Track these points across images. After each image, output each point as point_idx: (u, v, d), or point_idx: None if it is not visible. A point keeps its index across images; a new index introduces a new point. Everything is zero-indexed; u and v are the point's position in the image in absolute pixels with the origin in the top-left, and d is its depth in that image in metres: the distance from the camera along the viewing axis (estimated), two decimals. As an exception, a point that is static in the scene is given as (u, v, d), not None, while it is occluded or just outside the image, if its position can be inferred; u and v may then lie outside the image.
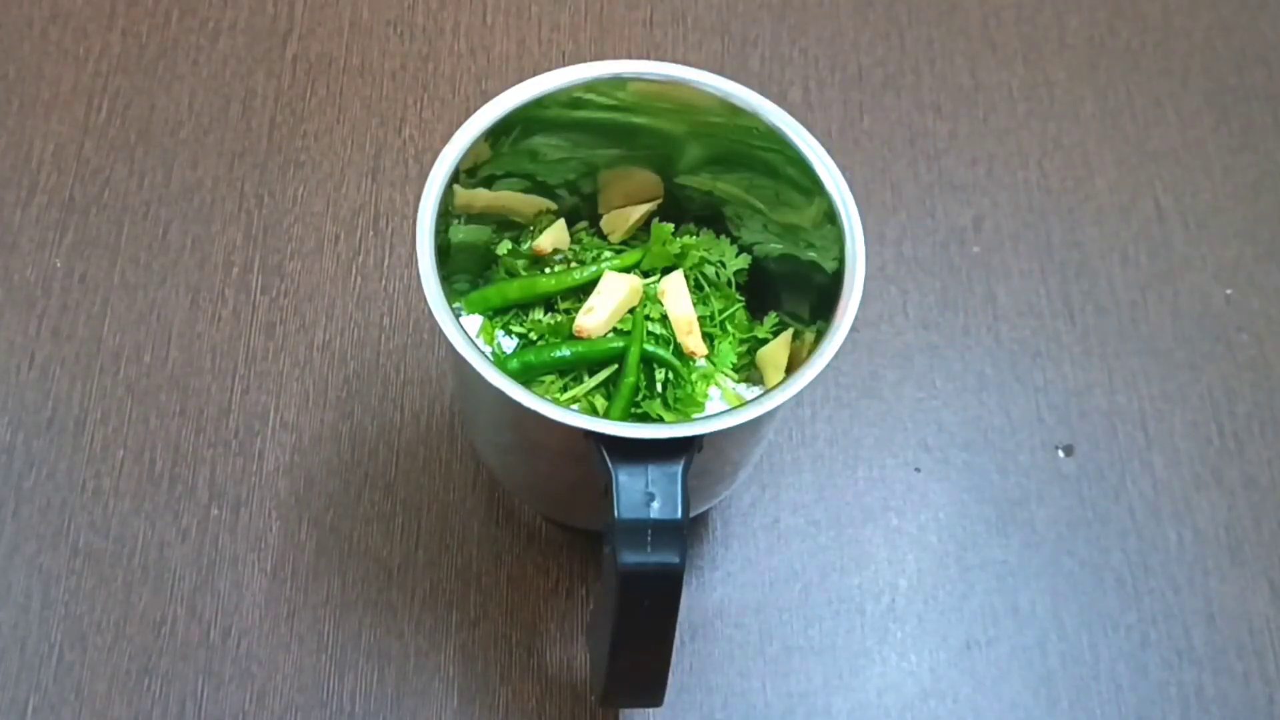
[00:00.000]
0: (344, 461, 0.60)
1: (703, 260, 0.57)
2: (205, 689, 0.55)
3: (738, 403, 0.53)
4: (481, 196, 0.54)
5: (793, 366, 0.53)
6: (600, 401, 0.54)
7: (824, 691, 0.56)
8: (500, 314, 0.56)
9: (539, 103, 0.51)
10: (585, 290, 0.55)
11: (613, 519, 0.44)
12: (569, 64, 0.52)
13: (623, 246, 0.58)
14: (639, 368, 0.53)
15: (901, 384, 0.63)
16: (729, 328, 0.56)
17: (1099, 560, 0.59)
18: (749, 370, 0.56)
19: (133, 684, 0.55)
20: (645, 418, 0.54)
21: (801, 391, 0.47)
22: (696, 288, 0.56)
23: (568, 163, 0.55)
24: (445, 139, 0.50)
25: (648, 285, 0.56)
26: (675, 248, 0.56)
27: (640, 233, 0.58)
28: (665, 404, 0.54)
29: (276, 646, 0.56)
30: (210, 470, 0.59)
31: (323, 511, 0.59)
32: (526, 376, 0.53)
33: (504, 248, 0.57)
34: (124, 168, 0.66)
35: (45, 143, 0.66)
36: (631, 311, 0.55)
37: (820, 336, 0.48)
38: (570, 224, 0.58)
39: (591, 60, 0.52)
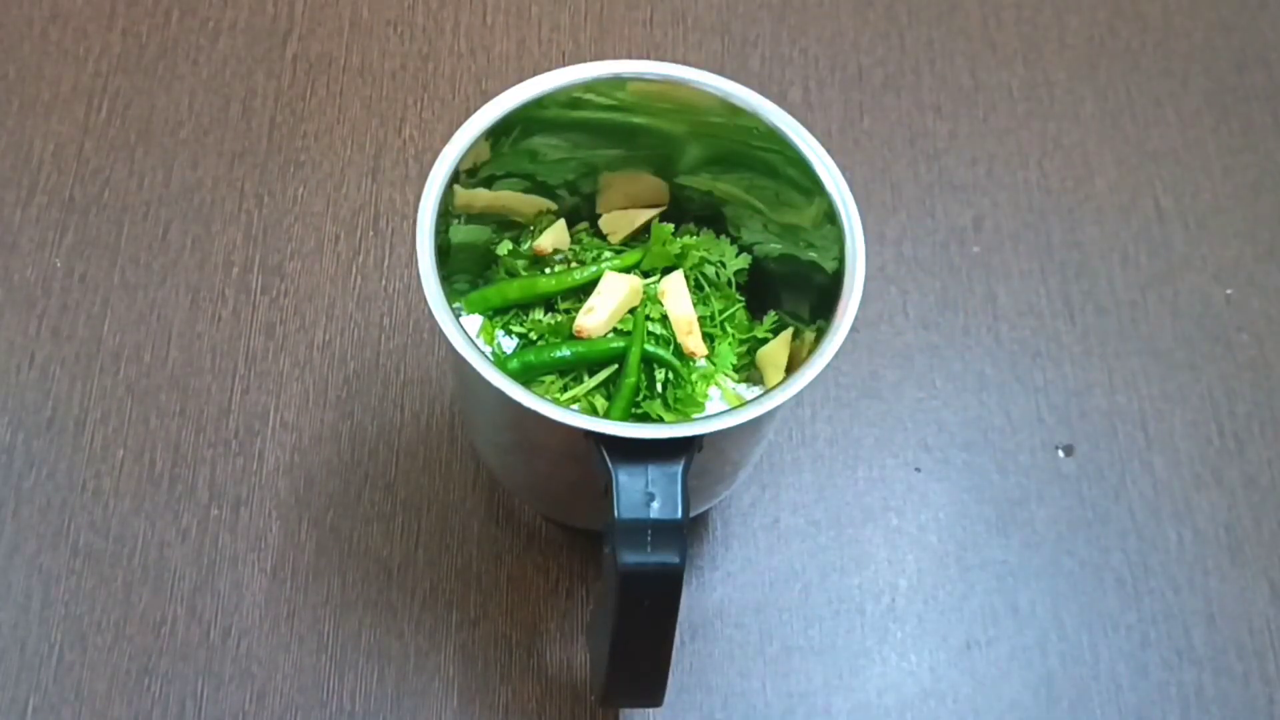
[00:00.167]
0: (344, 461, 0.60)
1: (703, 260, 0.57)
2: (205, 689, 0.55)
3: (738, 403, 0.53)
4: (481, 196, 0.54)
5: (793, 366, 0.53)
6: (600, 401, 0.54)
7: (824, 691, 0.56)
8: (500, 314, 0.56)
9: (539, 103, 0.51)
10: (585, 290, 0.55)
11: (613, 519, 0.44)
12: (569, 64, 0.52)
13: (623, 247, 0.58)
14: (639, 368, 0.53)
15: (901, 384, 0.63)
16: (729, 328, 0.56)
17: (1099, 560, 0.59)
18: (749, 370, 0.56)
19: (133, 684, 0.55)
20: (645, 418, 0.54)
21: (801, 391, 0.47)
22: (696, 288, 0.56)
23: (568, 163, 0.55)
24: (445, 139, 0.50)
25: (648, 285, 0.56)
26: (675, 248, 0.56)
27: (640, 233, 0.58)
28: (665, 404, 0.54)
29: (276, 646, 0.56)
30: (210, 470, 0.59)
31: (323, 511, 0.59)
32: (526, 376, 0.53)
33: (504, 248, 0.57)
34: (124, 168, 0.66)
35: (45, 143, 0.66)
36: (632, 312, 0.55)
37: (820, 336, 0.48)
38: (570, 224, 0.58)
39: (591, 60, 0.52)
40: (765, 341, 0.56)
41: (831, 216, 0.50)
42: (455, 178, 0.50)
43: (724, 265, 0.57)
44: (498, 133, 0.51)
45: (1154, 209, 0.67)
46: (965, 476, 0.61)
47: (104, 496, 0.58)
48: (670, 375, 0.54)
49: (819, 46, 0.72)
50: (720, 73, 0.52)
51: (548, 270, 0.57)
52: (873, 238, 0.63)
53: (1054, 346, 0.64)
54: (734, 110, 0.52)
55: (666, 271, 0.56)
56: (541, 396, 0.46)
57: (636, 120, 0.54)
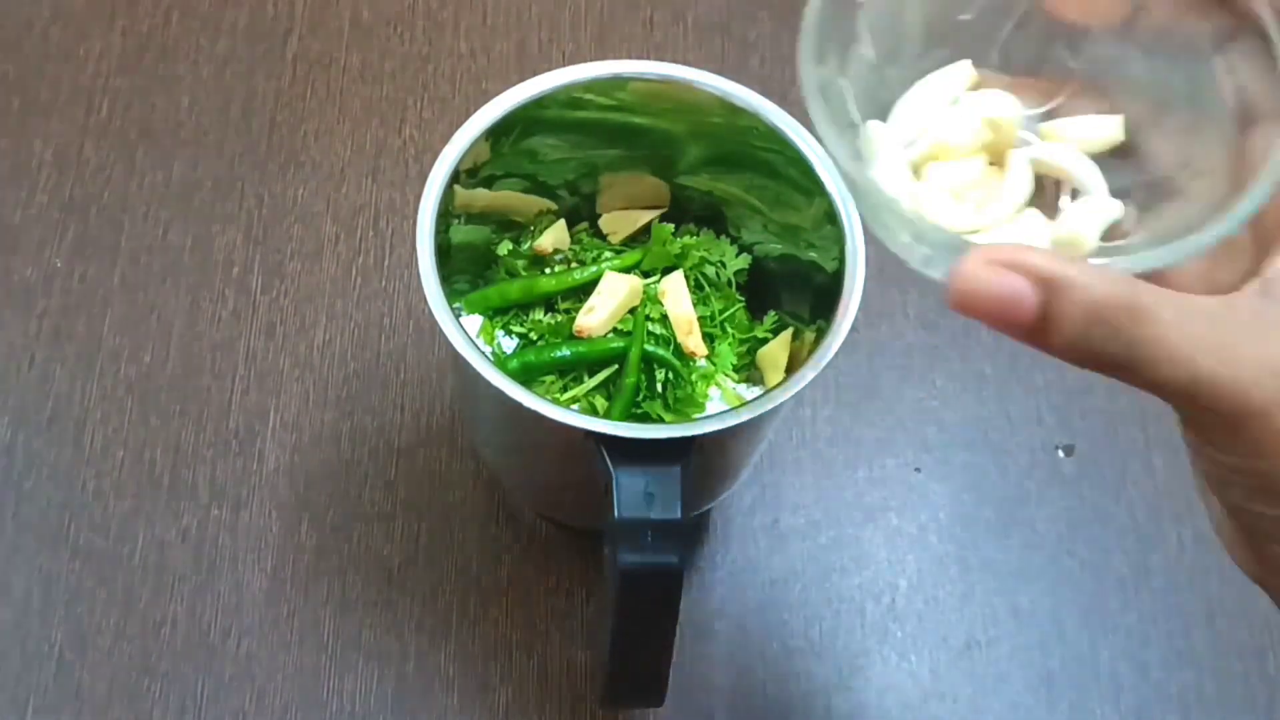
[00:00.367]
0: (344, 461, 0.60)
1: (703, 260, 0.57)
2: (205, 689, 0.55)
3: (738, 403, 0.53)
4: (481, 196, 0.54)
5: (793, 366, 0.53)
6: (601, 401, 0.54)
7: (824, 691, 0.56)
8: (500, 314, 0.56)
9: (539, 103, 0.51)
10: (585, 290, 0.55)
11: (613, 519, 0.44)
12: (569, 64, 0.52)
13: (623, 247, 0.58)
14: (639, 368, 0.53)
15: (902, 384, 0.63)
16: (729, 328, 0.56)
17: (1099, 560, 0.59)
18: (749, 370, 0.56)
19: (133, 684, 0.55)
20: (645, 418, 0.54)
21: (801, 391, 0.47)
22: (696, 288, 0.56)
23: (568, 163, 0.55)
24: (445, 139, 0.50)
25: (648, 285, 0.56)
26: (675, 248, 0.56)
27: (640, 233, 0.58)
28: (665, 404, 0.54)
29: (276, 647, 0.56)
30: (210, 470, 0.59)
31: (323, 512, 0.59)
32: (526, 376, 0.53)
33: (504, 248, 0.57)
34: (124, 168, 0.66)
35: (45, 143, 0.66)
36: (632, 312, 0.55)
37: (820, 336, 0.48)
38: (570, 224, 0.58)
39: (591, 60, 0.52)
40: (765, 341, 0.56)
41: (832, 216, 0.50)
42: (455, 178, 0.50)
43: (724, 265, 0.57)
44: (498, 133, 0.51)
45: (1154, 209, 0.67)
46: (965, 477, 0.61)
47: (104, 496, 0.58)
48: (670, 375, 0.54)
49: (819, 46, 0.72)
50: (720, 73, 0.52)
51: (548, 270, 0.57)
52: (873, 237, 0.63)
53: (1054, 346, 0.64)
54: (734, 110, 0.52)
55: (666, 271, 0.56)
56: (541, 396, 0.46)
57: (637, 120, 0.54)
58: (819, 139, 0.35)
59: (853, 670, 0.57)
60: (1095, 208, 0.37)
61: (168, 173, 0.66)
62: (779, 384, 0.47)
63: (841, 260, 0.49)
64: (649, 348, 0.54)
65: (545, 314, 0.56)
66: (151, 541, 0.57)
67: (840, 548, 0.59)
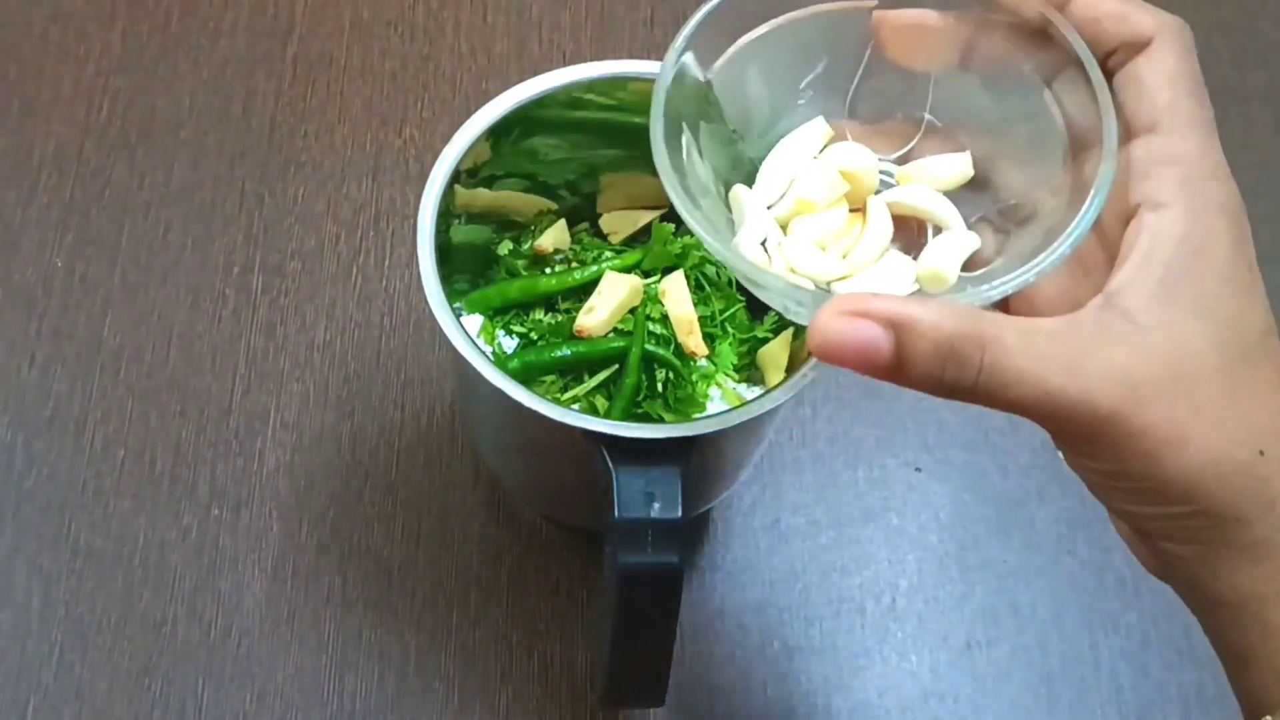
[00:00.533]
0: (344, 461, 0.60)
1: (703, 260, 0.57)
2: (205, 689, 0.55)
3: (738, 403, 0.53)
4: (482, 196, 0.54)
5: (793, 366, 0.53)
6: (601, 401, 0.54)
7: (824, 691, 0.56)
8: (501, 314, 0.56)
9: (539, 103, 0.51)
10: (586, 290, 0.55)
11: (613, 519, 0.44)
12: (569, 64, 0.52)
13: (623, 247, 0.58)
14: (640, 368, 0.53)
15: (902, 384, 0.63)
16: (729, 328, 0.56)
17: (1100, 560, 0.59)
18: (749, 370, 0.56)
19: (133, 684, 0.55)
20: (646, 418, 0.54)
21: (802, 391, 0.47)
22: (697, 288, 0.56)
23: (568, 163, 0.55)
24: (445, 139, 0.50)
25: (648, 285, 0.56)
26: (676, 248, 0.56)
27: (641, 233, 0.58)
28: (666, 404, 0.54)
29: (277, 646, 0.56)
30: (210, 470, 0.59)
31: (323, 511, 0.59)
32: (527, 376, 0.53)
33: (504, 248, 0.57)
34: (124, 168, 0.66)
35: (45, 143, 0.66)
36: (632, 311, 0.55)
37: (821, 336, 0.48)
38: (571, 224, 0.58)
39: (592, 60, 0.52)
40: (766, 341, 0.56)
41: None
42: (456, 178, 0.50)
43: (724, 265, 0.57)
44: (498, 133, 0.51)
45: (1154, 209, 0.67)
46: (966, 476, 0.61)
47: (104, 496, 0.58)
48: (671, 375, 0.54)
49: (819, 46, 0.72)
50: (721, 72, 0.52)
51: (548, 270, 0.57)
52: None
53: (1054, 346, 0.64)
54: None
55: (667, 271, 0.56)
56: (541, 396, 0.46)
57: (637, 120, 0.54)
58: (679, 215, 0.38)
59: (853, 670, 0.57)
60: (953, 242, 0.39)
61: (168, 173, 0.66)
62: (779, 384, 0.47)
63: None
64: (649, 348, 0.54)
65: (545, 314, 0.56)
66: (151, 541, 0.57)
67: (840, 547, 0.59)
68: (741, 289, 0.57)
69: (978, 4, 0.39)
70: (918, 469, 0.61)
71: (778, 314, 0.56)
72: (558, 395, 0.54)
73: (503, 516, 0.59)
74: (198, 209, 0.65)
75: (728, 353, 0.55)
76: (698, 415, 0.54)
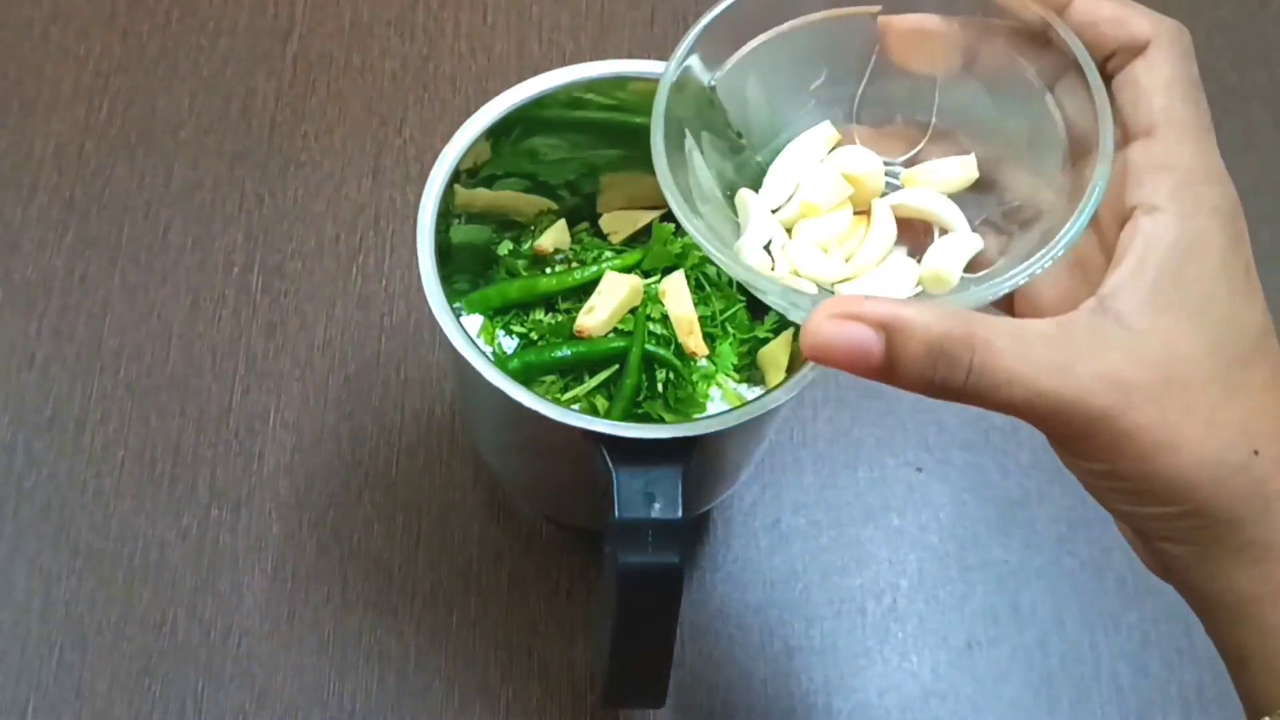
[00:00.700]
0: (344, 462, 0.60)
1: (703, 260, 0.57)
2: (205, 689, 0.55)
3: (738, 403, 0.53)
4: (482, 196, 0.54)
5: (794, 366, 0.53)
6: (601, 402, 0.54)
7: (825, 691, 0.56)
8: (501, 314, 0.56)
9: (539, 103, 0.51)
10: (586, 290, 0.55)
11: (613, 519, 0.44)
12: (569, 64, 0.52)
13: (623, 247, 0.58)
14: (640, 368, 0.53)
15: (902, 384, 0.63)
16: (730, 328, 0.56)
17: (1100, 560, 0.59)
18: (750, 370, 0.56)
19: (133, 684, 0.55)
20: (646, 418, 0.54)
21: (802, 391, 0.47)
22: (697, 288, 0.56)
23: (568, 163, 0.55)
24: (445, 139, 0.50)
25: (648, 285, 0.56)
26: (676, 248, 0.56)
27: (641, 233, 0.58)
28: (666, 404, 0.54)
29: (277, 647, 0.56)
30: (210, 470, 0.59)
31: (323, 512, 0.59)
32: (527, 376, 0.53)
33: (504, 248, 0.57)
34: (124, 168, 0.66)
35: (45, 143, 0.66)
36: (632, 312, 0.55)
37: (821, 336, 0.48)
38: (571, 224, 0.58)
39: (592, 60, 0.52)
40: (766, 341, 0.56)
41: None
42: (456, 178, 0.50)
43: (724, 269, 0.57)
44: (498, 133, 0.51)
45: (1155, 209, 0.67)
46: (966, 476, 0.61)
47: (104, 496, 0.58)
48: (671, 375, 0.54)
49: (819, 46, 0.72)
50: (721, 72, 0.52)
51: (548, 270, 0.57)
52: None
53: (1055, 346, 0.64)
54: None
55: (667, 271, 0.56)
56: (542, 397, 0.46)
57: (637, 120, 0.54)
58: (678, 222, 0.38)
59: (853, 670, 0.57)
60: (956, 244, 0.40)
61: (168, 173, 0.66)
62: (780, 384, 0.47)
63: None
64: (650, 348, 0.54)
65: (545, 314, 0.56)
66: (151, 541, 0.57)
67: (841, 548, 0.59)
68: (742, 290, 0.57)
69: (980, 8, 0.39)
70: (918, 469, 0.61)
71: (778, 314, 0.56)
72: (558, 395, 0.54)
73: (503, 517, 0.59)
74: (198, 209, 0.65)
75: (728, 353, 0.55)
76: (698, 415, 0.54)
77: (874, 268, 0.40)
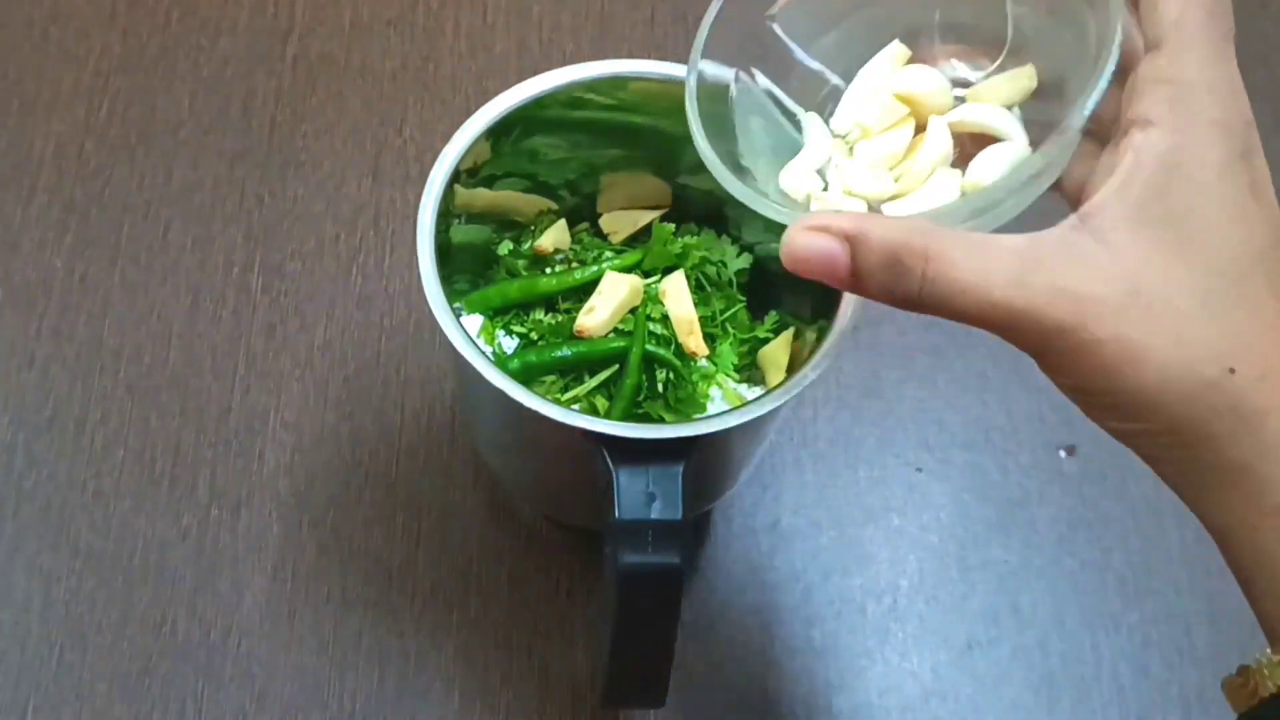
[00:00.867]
0: (344, 462, 0.60)
1: (704, 260, 0.57)
2: (205, 689, 0.55)
3: (739, 403, 0.52)
4: (482, 196, 0.54)
5: (794, 366, 0.53)
6: (602, 402, 0.54)
7: (825, 692, 0.56)
8: (501, 314, 0.56)
9: (539, 102, 0.51)
10: (586, 290, 0.55)
11: (613, 519, 0.44)
12: (569, 63, 0.52)
13: (623, 247, 0.58)
14: (640, 368, 0.53)
15: (903, 384, 0.63)
16: (730, 328, 0.56)
17: (1101, 560, 0.59)
18: (750, 370, 0.56)
19: (133, 684, 0.55)
20: (646, 418, 0.54)
21: (803, 391, 0.47)
22: (697, 288, 0.56)
23: (568, 163, 0.55)
24: (445, 139, 0.50)
25: (649, 285, 0.55)
26: (676, 248, 0.56)
27: (641, 233, 0.58)
28: (667, 404, 0.54)
29: (277, 647, 0.56)
30: (210, 470, 0.59)
31: (323, 512, 0.58)
32: (527, 377, 0.53)
33: (505, 248, 0.57)
34: (124, 168, 0.66)
35: (45, 143, 0.66)
36: (633, 312, 0.55)
37: (821, 336, 0.48)
38: (571, 224, 0.58)
39: (592, 60, 0.52)
40: (766, 341, 0.56)
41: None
42: (456, 178, 0.50)
43: (725, 265, 0.57)
44: (498, 132, 0.51)
45: (1155, 209, 0.67)
46: (967, 477, 0.61)
47: (104, 496, 0.58)
48: (671, 375, 0.54)
49: (820, 46, 0.72)
50: (721, 72, 0.52)
51: (548, 270, 0.57)
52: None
53: (1055, 346, 0.64)
54: (735, 110, 0.51)
55: (667, 271, 0.56)
56: (542, 397, 0.46)
57: (638, 120, 0.54)
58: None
59: (854, 670, 0.57)
60: (998, 154, 0.40)
61: (168, 173, 0.66)
62: (780, 384, 0.47)
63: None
64: (650, 348, 0.53)
65: (546, 314, 0.56)
66: (151, 541, 0.57)
67: (841, 548, 0.59)
68: (742, 289, 0.57)
69: None
70: (918, 469, 0.61)
71: (778, 314, 0.56)
72: (558, 395, 0.54)
73: (503, 517, 0.59)
74: (198, 209, 0.65)
75: (728, 353, 0.55)
76: (698, 415, 0.54)
77: (921, 183, 0.40)
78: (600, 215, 0.58)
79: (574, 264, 0.57)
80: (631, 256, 0.56)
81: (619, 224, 0.58)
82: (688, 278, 0.55)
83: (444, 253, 0.50)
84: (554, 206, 0.57)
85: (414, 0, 0.72)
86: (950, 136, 0.41)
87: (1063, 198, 0.39)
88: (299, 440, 0.60)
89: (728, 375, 0.55)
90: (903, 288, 0.35)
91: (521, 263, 0.57)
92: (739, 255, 0.57)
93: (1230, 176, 0.35)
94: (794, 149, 0.42)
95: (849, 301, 0.48)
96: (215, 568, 0.57)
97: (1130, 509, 0.60)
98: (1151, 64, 0.36)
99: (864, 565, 0.59)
